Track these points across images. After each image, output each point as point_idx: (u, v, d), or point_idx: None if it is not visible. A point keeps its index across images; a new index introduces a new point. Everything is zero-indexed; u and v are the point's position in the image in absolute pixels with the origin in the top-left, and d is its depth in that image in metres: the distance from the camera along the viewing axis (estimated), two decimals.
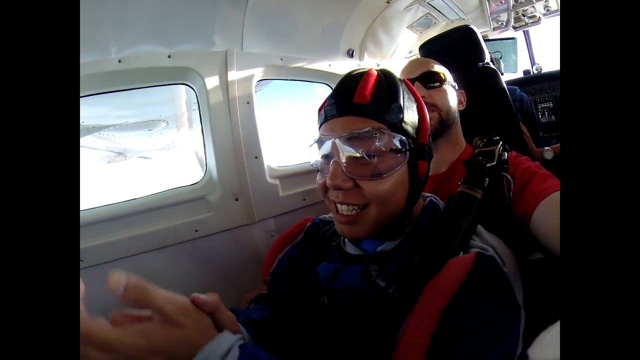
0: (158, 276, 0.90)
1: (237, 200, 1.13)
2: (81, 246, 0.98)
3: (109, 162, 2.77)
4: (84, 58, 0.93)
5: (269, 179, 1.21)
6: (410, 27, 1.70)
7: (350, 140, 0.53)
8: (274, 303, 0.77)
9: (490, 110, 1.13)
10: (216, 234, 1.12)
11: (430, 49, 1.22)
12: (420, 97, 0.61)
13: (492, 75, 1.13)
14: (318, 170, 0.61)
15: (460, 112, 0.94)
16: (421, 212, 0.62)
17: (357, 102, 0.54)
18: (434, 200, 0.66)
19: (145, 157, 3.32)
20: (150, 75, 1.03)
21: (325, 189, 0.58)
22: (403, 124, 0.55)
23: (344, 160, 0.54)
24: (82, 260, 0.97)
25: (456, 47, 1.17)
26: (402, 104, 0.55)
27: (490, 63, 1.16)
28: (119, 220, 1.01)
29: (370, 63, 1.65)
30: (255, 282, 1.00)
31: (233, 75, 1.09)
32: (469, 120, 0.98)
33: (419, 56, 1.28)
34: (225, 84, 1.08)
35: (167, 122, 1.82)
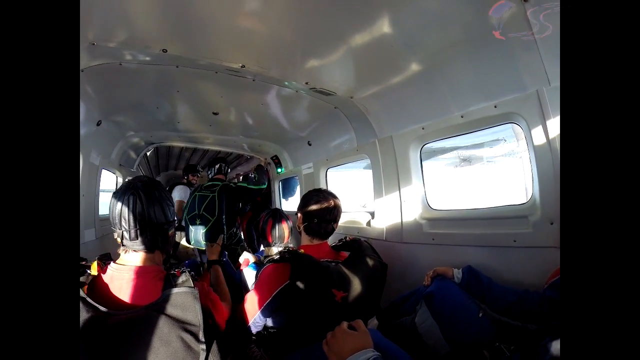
0: (478, 264, 1.36)
1: (551, 224, 1.24)
2: (435, 231, 1.65)
3: (455, 166, 3.49)
4: (434, 120, 1.54)
5: None
6: None
7: None
8: None
9: None
10: (526, 248, 1.31)
11: None
12: None
13: None
14: None
15: None
16: None
17: None
18: None
19: (490, 162, 3.83)
20: (484, 122, 1.43)
21: None
22: None
23: None
24: (432, 239, 1.63)
25: None
26: None
27: None
28: (462, 221, 1.56)
29: None
30: None
31: (547, 110, 1.18)
32: None
33: None
34: (542, 119, 1.20)
35: (505, 139, 2.07)
